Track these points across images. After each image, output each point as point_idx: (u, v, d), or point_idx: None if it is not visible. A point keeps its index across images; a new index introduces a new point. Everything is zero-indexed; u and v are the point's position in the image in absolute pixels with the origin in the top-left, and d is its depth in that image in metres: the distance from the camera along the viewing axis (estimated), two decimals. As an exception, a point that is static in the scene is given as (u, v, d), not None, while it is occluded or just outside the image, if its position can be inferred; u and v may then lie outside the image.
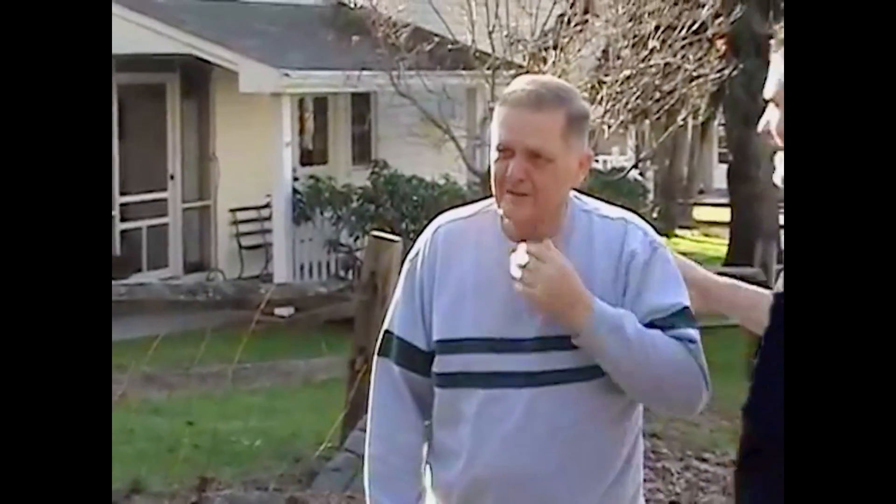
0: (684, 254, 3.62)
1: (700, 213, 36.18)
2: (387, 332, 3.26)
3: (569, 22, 15.78)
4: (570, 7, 16.18)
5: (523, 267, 3.02)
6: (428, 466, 3.26)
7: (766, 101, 3.09)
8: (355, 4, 16.46)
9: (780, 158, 3.02)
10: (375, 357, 3.31)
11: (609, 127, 14.90)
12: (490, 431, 3.10)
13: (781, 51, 3.13)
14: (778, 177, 3.02)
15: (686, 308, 3.12)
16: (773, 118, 3.06)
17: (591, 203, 3.25)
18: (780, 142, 3.01)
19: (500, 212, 3.13)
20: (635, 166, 21.78)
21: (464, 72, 16.30)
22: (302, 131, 20.04)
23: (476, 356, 3.10)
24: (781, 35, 3.31)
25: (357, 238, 16.90)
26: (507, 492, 3.13)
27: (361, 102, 20.62)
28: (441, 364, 3.14)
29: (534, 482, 3.13)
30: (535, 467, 3.12)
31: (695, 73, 14.79)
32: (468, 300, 3.13)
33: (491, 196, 3.17)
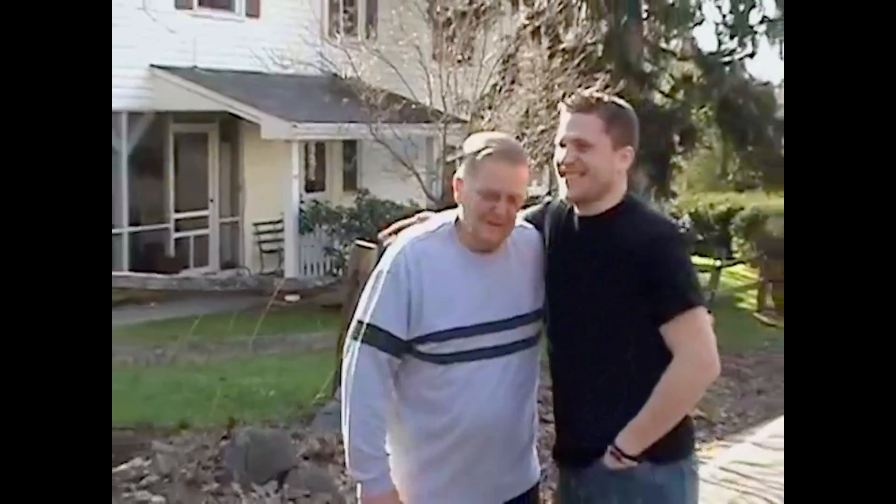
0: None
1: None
2: (370, 325, 3.22)
3: (500, 90, 15.81)
4: (502, 79, 16.20)
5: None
6: (407, 419, 3.24)
7: (562, 144, 3.14)
8: (346, 76, 16.42)
9: (562, 183, 3.16)
10: (358, 343, 3.24)
11: (530, 167, 14.91)
12: (477, 390, 3.12)
13: (566, 111, 3.16)
14: (563, 196, 3.17)
15: None
16: (559, 155, 3.14)
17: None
18: (561, 170, 3.15)
19: (469, 230, 3.15)
20: (548, 194, 21.80)
21: (424, 125, 16.29)
22: (306, 167, 19.99)
23: (466, 339, 3.12)
24: (585, 100, 3.22)
25: (345, 245, 16.83)
26: (488, 433, 3.15)
27: (350, 147, 20.62)
28: (437, 347, 3.14)
29: (505, 425, 3.18)
30: (507, 413, 3.16)
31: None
32: (454, 300, 3.13)
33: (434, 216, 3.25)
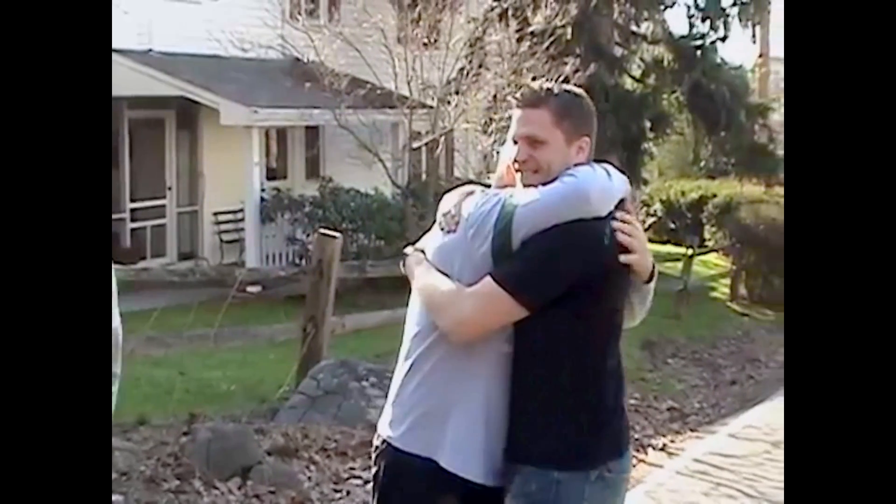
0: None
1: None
2: None
3: (467, 74, 15.83)
4: (469, 63, 16.22)
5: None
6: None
7: (514, 141, 3.14)
8: (308, 59, 16.37)
9: (518, 178, 3.13)
10: None
11: (497, 152, 14.94)
12: None
13: (517, 106, 3.16)
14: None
15: None
16: (513, 152, 3.13)
17: None
18: (515, 167, 3.13)
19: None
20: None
21: (389, 110, 16.29)
22: (267, 154, 19.89)
23: None
24: (534, 94, 3.19)
25: (308, 235, 16.77)
26: None
27: (312, 133, 20.53)
28: None
29: None
30: None
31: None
32: None
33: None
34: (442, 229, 3.21)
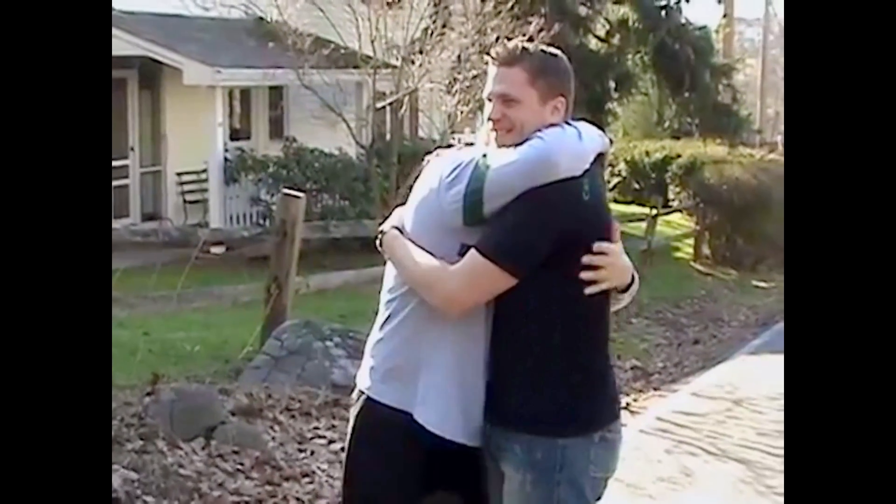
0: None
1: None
2: None
3: (432, 34, 15.73)
4: (433, 23, 16.11)
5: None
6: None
7: (488, 99, 3.14)
8: (271, 19, 16.23)
9: (492, 137, 3.12)
10: None
11: (462, 112, 14.93)
12: None
13: (492, 63, 3.15)
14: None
15: None
16: (486, 111, 3.14)
17: None
18: (490, 125, 3.12)
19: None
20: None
21: (353, 70, 16.18)
22: (231, 114, 19.77)
23: None
24: (510, 53, 3.17)
25: (272, 195, 16.72)
26: None
27: (276, 93, 20.42)
28: None
29: None
30: None
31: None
32: None
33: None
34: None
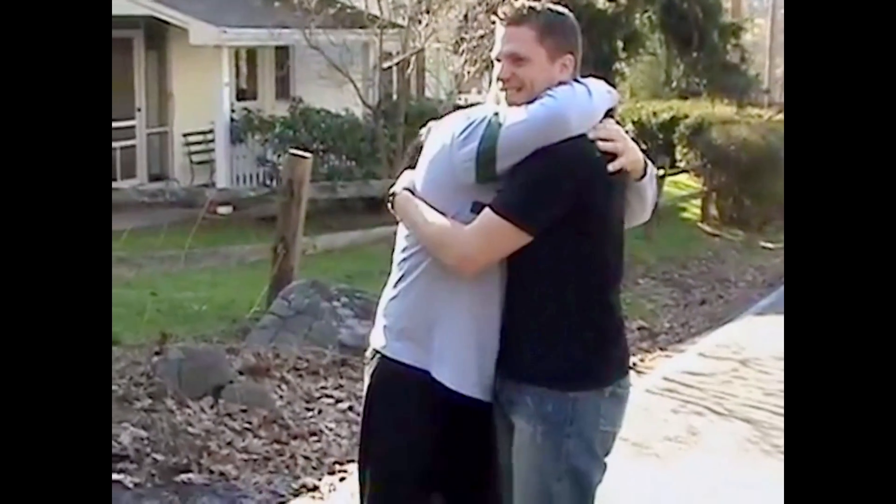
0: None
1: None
2: None
3: (438, -7, 15.67)
4: (440, -18, 16.05)
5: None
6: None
7: (497, 59, 3.13)
8: (277, -22, 16.18)
9: (502, 97, 3.12)
10: None
11: (469, 73, 14.87)
12: None
13: (500, 23, 3.14)
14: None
15: None
16: (496, 70, 3.14)
17: None
18: (500, 85, 3.12)
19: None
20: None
21: (360, 30, 16.13)
22: (237, 75, 19.74)
23: None
24: (517, 12, 3.11)
25: (279, 155, 16.71)
26: None
27: (282, 53, 20.35)
28: None
29: None
30: None
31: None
32: None
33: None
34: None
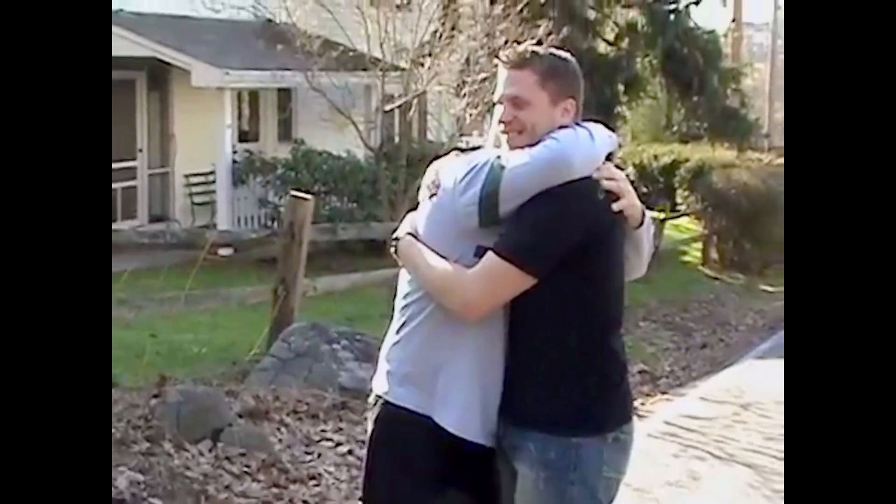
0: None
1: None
2: None
3: (440, 36, 15.74)
4: (442, 25, 16.12)
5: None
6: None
7: (499, 102, 3.14)
8: (280, 20, 16.25)
9: (503, 140, 3.12)
10: None
11: (471, 115, 14.92)
12: None
13: (503, 67, 3.16)
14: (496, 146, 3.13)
15: None
16: (498, 113, 3.15)
17: None
18: (501, 128, 3.12)
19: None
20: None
21: (362, 73, 16.18)
22: (239, 116, 19.82)
23: None
24: (520, 56, 3.14)
25: (280, 197, 16.73)
26: None
27: (284, 95, 20.44)
28: None
29: None
30: None
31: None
32: None
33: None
34: (430, 197, 3.21)
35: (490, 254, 2.99)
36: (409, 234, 3.23)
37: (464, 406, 3.09)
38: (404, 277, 3.24)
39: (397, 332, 3.23)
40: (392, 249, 3.29)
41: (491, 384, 3.11)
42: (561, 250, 2.98)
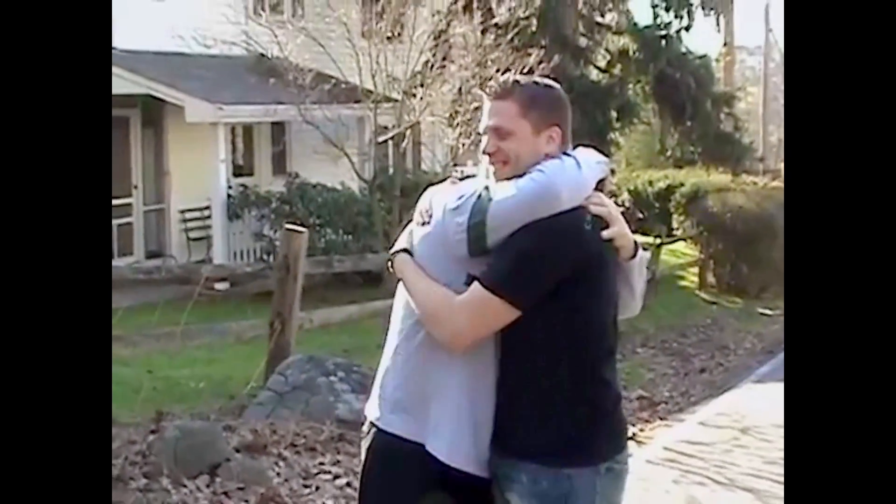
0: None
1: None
2: None
3: (432, 67, 15.82)
4: (433, 56, 16.21)
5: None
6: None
7: (482, 133, 3.16)
8: (272, 55, 16.32)
9: (490, 170, 3.14)
10: None
11: (464, 145, 14.97)
12: None
13: (486, 98, 3.17)
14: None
15: None
16: (484, 144, 3.16)
17: None
18: (487, 159, 3.14)
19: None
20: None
21: (354, 105, 16.26)
22: (234, 151, 19.85)
23: None
24: (501, 86, 3.19)
25: (276, 230, 16.76)
26: None
27: (278, 129, 20.48)
28: None
29: None
30: None
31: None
32: None
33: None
34: (422, 224, 3.21)
35: (475, 284, 3.00)
36: (406, 250, 3.24)
37: (454, 435, 3.08)
38: (399, 301, 3.25)
39: (391, 357, 3.23)
40: (388, 264, 3.30)
41: (482, 413, 3.10)
42: (546, 282, 2.98)
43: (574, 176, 3.05)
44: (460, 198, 3.10)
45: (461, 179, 3.29)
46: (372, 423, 3.24)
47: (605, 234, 3.04)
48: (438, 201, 3.18)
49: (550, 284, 2.98)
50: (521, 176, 3.05)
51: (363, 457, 3.27)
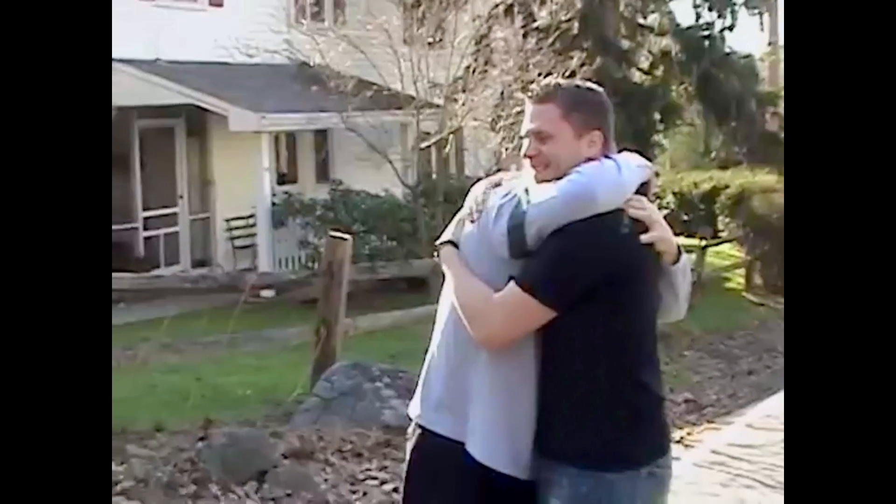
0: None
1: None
2: None
3: (474, 72, 15.84)
4: (475, 61, 16.24)
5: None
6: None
7: (524, 136, 3.15)
8: (314, 63, 16.41)
9: (532, 174, 3.13)
10: None
11: (507, 149, 14.98)
12: None
13: (528, 101, 3.17)
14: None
15: None
16: (525, 147, 3.16)
17: None
18: (528, 162, 3.14)
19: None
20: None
21: (397, 111, 16.31)
22: (277, 159, 19.95)
23: None
24: (543, 89, 3.17)
25: (320, 238, 16.83)
26: None
27: (321, 136, 20.59)
28: None
29: None
30: None
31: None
32: None
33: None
34: (471, 221, 3.23)
35: (511, 284, 3.01)
36: (451, 241, 3.26)
37: (489, 435, 3.09)
38: (444, 300, 3.26)
39: (434, 355, 3.25)
40: (435, 254, 3.32)
41: (520, 415, 3.10)
42: (581, 283, 2.98)
43: (612, 178, 3.05)
44: (504, 197, 3.11)
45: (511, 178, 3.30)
46: (415, 422, 3.26)
47: (645, 238, 3.04)
48: (487, 199, 3.19)
49: (585, 286, 2.98)
50: (560, 178, 3.06)
51: (408, 455, 3.29)
